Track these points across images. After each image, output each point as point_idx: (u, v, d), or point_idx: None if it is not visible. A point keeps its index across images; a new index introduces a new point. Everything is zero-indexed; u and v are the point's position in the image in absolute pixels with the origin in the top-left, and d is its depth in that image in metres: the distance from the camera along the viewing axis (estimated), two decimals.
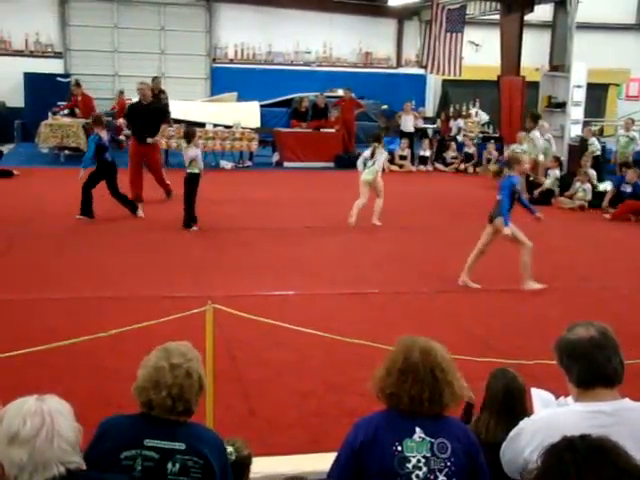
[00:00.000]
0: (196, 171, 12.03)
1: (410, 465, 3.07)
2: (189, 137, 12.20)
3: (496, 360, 5.01)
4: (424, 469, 3.07)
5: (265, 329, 5.58)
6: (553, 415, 3.09)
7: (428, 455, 3.08)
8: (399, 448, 3.09)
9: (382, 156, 12.87)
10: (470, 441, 3.20)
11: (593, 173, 16.09)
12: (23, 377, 5.38)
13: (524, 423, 3.10)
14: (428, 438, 3.11)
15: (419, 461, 3.08)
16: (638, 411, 2.96)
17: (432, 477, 3.06)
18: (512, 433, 3.13)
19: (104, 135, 12.62)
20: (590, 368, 2.97)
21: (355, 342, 5.23)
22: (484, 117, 22.87)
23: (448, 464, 3.09)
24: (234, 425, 5.15)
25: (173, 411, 3.05)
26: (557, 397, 3.59)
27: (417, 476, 3.06)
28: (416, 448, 3.09)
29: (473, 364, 4.85)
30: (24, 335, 6.43)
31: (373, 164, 12.40)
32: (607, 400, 2.95)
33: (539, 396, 3.79)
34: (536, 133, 16.73)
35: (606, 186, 15.70)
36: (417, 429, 3.12)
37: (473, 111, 23.51)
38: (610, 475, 2.19)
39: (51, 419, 2.49)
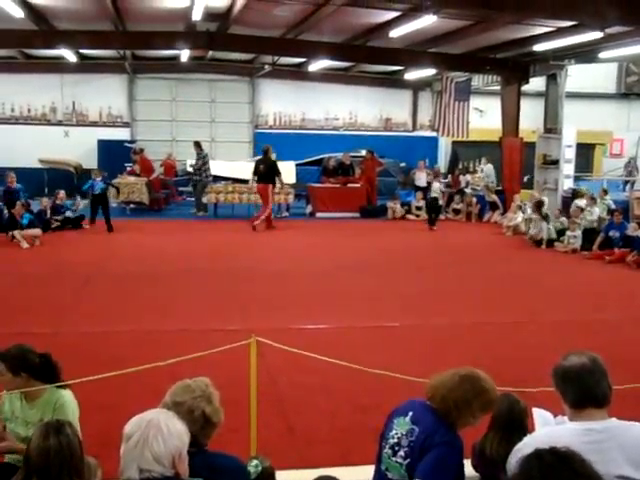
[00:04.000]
0: None
1: (390, 434, 3.46)
2: None
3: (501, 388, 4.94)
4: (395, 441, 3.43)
5: (300, 358, 5.56)
6: (551, 432, 3.07)
7: (404, 433, 3.40)
8: (394, 422, 3.48)
9: None
10: (434, 438, 3.31)
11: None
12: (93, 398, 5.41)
13: (527, 439, 3.08)
14: (411, 422, 3.39)
15: (396, 434, 3.43)
16: (624, 428, 2.96)
17: (397, 448, 3.40)
18: (517, 447, 3.10)
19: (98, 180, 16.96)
20: (582, 391, 2.98)
21: (376, 372, 5.20)
22: (489, 171, 22.75)
23: (410, 445, 3.35)
24: (274, 441, 5.13)
25: (202, 438, 2.98)
26: (555, 416, 3.57)
27: (390, 444, 3.43)
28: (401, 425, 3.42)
29: None
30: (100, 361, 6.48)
31: None
32: (597, 419, 2.95)
33: (540, 415, 3.76)
34: None
35: None
36: (410, 413, 3.43)
37: (479, 168, 23.46)
38: (569, 479, 2.26)
39: (149, 430, 2.52)
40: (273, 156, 18.07)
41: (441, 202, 20.74)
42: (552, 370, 3.08)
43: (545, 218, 16.22)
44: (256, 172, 17.70)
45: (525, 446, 3.03)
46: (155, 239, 15.67)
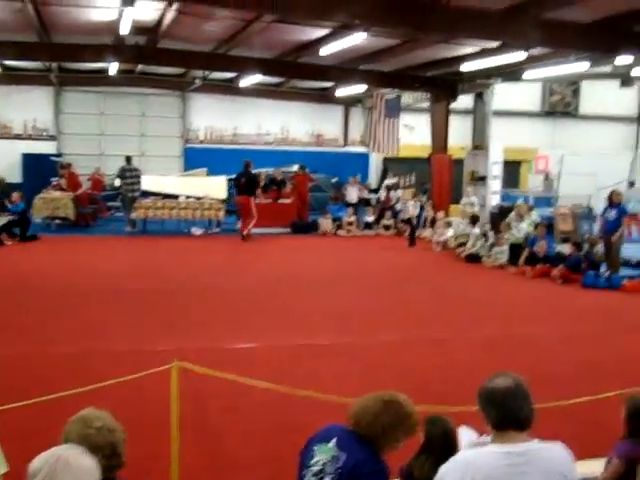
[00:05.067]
0: None
1: (312, 462, 3.31)
2: None
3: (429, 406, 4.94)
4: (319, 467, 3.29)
5: (227, 380, 5.45)
6: (472, 456, 3.07)
7: (328, 459, 3.27)
8: (314, 448, 3.33)
9: None
10: (364, 466, 3.24)
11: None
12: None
13: (450, 463, 3.07)
14: (336, 449, 3.29)
15: (319, 461, 3.29)
16: (545, 451, 2.99)
17: (322, 475, 3.26)
18: (440, 471, 3.10)
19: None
20: (504, 413, 2.99)
21: (303, 393, 5.15)
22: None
23: (338, 471, 3.22)
24: (198, 468, 5.00)
25: (111, 470, 2.86)
26: (481, 434, 3.57)
27: (313, 471, 3.29)
28: (324, 452, 3.30)
29: None
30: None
31: None
32: (518, 442, 2.96)
33: (465, 434, 3.79)
34: None
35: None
36: (334, 439, 3.31)
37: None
38: None
39: (56, 466, 2.40)
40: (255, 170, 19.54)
41: (371, 218, 20.94)
42: (477, 391, 3.09)
43: (484, 235, 16.50)
44: (237, 185, 19.09)
45: (448, 471, 3.02)
46: (80, 256, 15.27)
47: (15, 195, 17.57)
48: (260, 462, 5.26)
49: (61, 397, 4.51)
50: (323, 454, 3.32)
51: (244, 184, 18.81)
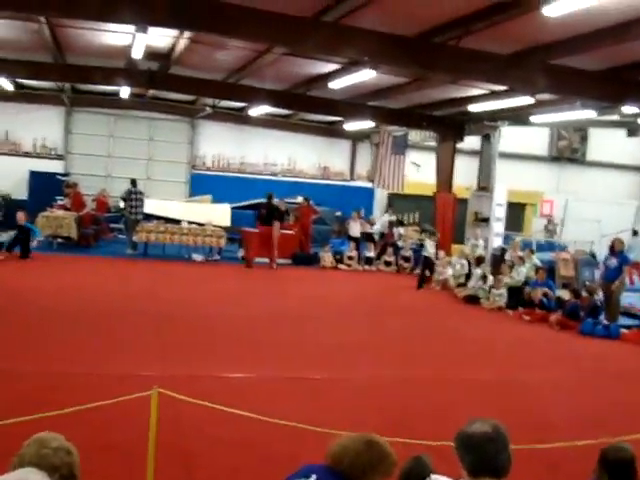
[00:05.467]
0: None
1: None
2: None
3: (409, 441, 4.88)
4: None
5: (209, 409, 5.39)
6: None
7: None
8: None
9: None
10: None
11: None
12: None
13: None
14: None
15: None
16: None
17: None
18: None
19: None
20: (480, 460, 2.93)
21: (286, 423, 5.10)
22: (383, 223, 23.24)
23: None
24: None
25: None
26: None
27: None
28: None
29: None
30: None
31: None
32: None
33: None
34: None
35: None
36: (313, 476, 3.27)
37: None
38: None
39: None
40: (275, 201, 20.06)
41: (372, 253, 20.93)
42: (455, 435, 3.05)
43: (484, 276, 16.41)
44: (259, 216, 19.70)
45: None
46: (78, 276, 15.28)
47: (20, 215, 17.62)
48: None
49: (39, 418, 4.45)
50: None
51: (266, 215, 19.41)
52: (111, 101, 23.98)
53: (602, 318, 13.57)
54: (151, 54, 16.61)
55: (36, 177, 23.39)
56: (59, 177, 23.08)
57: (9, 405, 6.16)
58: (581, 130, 27.59)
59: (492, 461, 2.91)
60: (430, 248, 18.51)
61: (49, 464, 2.74)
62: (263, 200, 20.30)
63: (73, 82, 22.33)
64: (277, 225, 19.37)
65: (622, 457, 4.01)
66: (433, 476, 3.77)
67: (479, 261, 17.23)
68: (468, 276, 17.34)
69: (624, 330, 13.16)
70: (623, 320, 14.20)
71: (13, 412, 4.76)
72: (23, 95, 23.48)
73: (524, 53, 12.64)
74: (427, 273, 18.26)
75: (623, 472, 3.96)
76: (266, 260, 19.28)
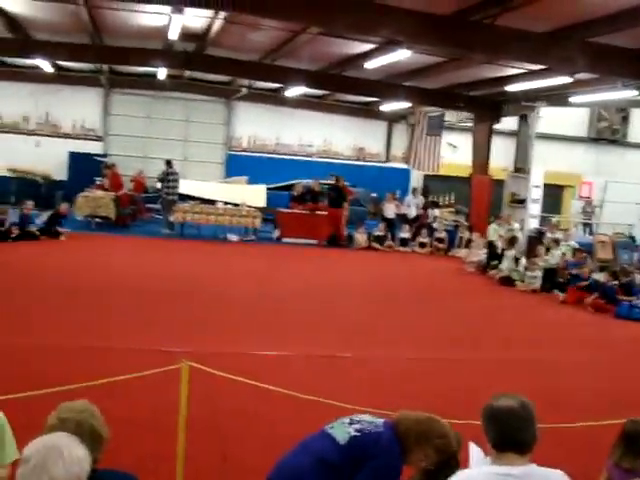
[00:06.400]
0: None
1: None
2: None
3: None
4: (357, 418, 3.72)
5: (238, 384, 5.46)
6: (468, 477, 3.04)
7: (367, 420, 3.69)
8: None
9: None
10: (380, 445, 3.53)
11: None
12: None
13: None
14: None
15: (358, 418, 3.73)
16: (542, 476, 2.93)
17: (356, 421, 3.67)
18: None
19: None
20: (504, 435, 2.94)
21: (319, 400, 5.14)
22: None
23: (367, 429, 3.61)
24: (205, 471, 5.01)
25: (94, 461, 2.81)
26: (487, 454, 3.54)
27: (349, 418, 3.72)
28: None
29: None
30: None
31: None
32: (517, 465, 2.90)
33: (474, 451, 3.74)
34: None
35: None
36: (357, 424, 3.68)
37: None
38: None
39: (49, 454, 2.40)
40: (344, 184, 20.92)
41: (407, 235, 20.81)
42: (481, 409, 3.06)
43: (517, 260, 16.24)
44: (329, 198, 20.67)
45: None
46: (116, 255, 15.51)
47: (64, 206, 18.22)
48: (267, 468, 5.24)
49: (71, 390, 4.55)
50: (363, 415, 3.76)
51: (334, 197, 20.40)
52: (148, 82, 24.16)
53: (639, 301, 13.37)
54: (187, 35, 16.70)
55: (75, 158, 23.76)
56: (97, 158, 23.40)
57: (40, 377, 6.30)
58: (623, 110, 26.94)
59: (516, 436, 2.92)
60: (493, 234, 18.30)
61: (73, 427, 2.82)
62: (302, 181, 20.75)
63: (111, 64, 22.54)
64: (346, 206, 20.57)
65: (637, 429, 4.06)
66: (470, 444, 3.79)
67: (512, 242, 17.00)
68: (499, 257, 17.12)
69: None
70: None
71: (43, 384, 4.86)
72: (62, 77, 23.79)
73: (562, 31, 12.41)
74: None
75: (637, 443, 4.03)
76: (300, 241, 19.38)
